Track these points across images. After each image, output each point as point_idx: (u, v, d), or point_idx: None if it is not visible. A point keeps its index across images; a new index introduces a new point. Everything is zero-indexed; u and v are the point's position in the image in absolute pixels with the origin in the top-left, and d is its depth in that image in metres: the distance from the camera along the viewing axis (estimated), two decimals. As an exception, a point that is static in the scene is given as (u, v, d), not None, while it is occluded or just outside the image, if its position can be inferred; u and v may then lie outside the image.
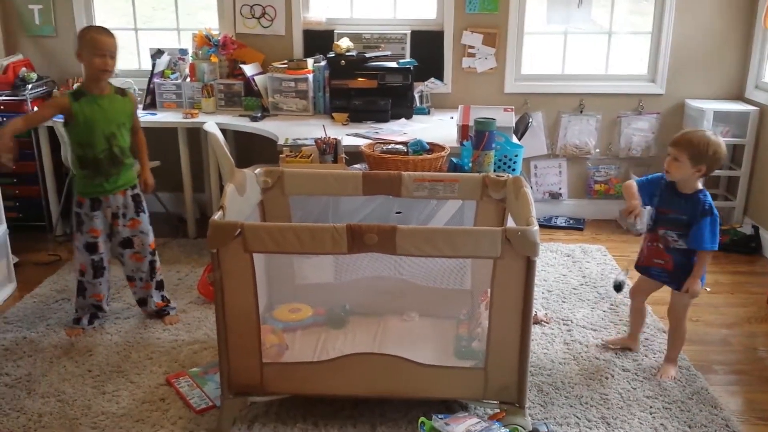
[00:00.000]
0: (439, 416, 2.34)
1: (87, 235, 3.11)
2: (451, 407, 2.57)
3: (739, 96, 4.61)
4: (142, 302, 3.33)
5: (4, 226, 3.63)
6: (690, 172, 2.65)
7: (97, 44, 2.91)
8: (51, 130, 4.18)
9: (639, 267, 2.93)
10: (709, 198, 2.68)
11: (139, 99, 4.43)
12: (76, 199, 3.11)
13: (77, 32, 3.30)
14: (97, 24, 4.60)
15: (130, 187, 3.16)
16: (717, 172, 4.56)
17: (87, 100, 2.96)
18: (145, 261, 3.26)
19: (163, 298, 3.37)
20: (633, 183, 2.82)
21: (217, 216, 2.34)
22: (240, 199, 2.63)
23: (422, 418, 2.32)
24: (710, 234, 2.64)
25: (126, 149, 3.11)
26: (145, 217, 3.22)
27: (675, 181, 2.72)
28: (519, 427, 2.41)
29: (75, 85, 3.12)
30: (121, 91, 3.13)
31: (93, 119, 2.96)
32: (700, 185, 2.71)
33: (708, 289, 3.72)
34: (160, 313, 3.34)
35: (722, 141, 2.68)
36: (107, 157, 3.03)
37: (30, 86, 4.33)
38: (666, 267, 2.79)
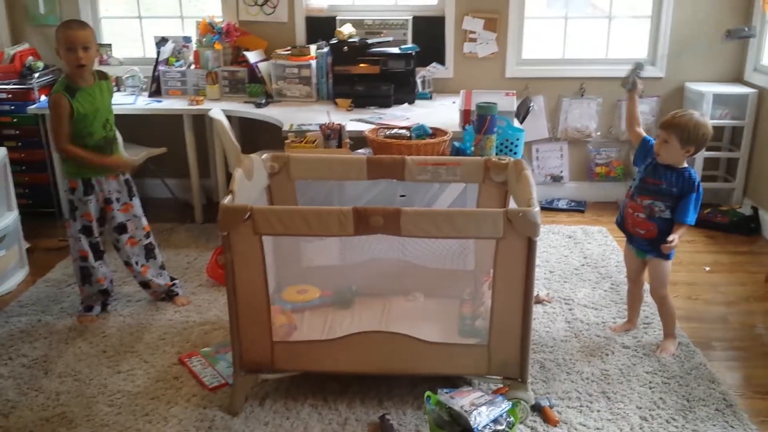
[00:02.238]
0: (445, 390, 2.42)
1: (82, 219, 3.15)
2: (455, 383, 2.64)
3: (738, 78, 4.65)
4: (145, 285, 3.38)
5: (16, 212, 3.70)
6: (680, 153, 2.75)
7: (67, 39, 2.90)
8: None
9: (624, 230, 2.99)
10: (697, 175, 2.80)
11: (144, 87, 4.51)
12: (68, 185, 3.12)
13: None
14: (98, 11, 4.68)
15: (121, 171, 3.21)
16: (717, 154, 4.66)
17: (81, 95, 2.98)
18: (140, 245, 3.30)
19: (170, 278, 3.44)
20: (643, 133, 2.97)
21: (227, 200, 2.40)
22: (248, 183, 2.69)
23: (428, 392, 2.39)
24: (694, 209, 2.76)
25: (116, 130, 3.17)
26: (137, 201, 3.27)
27: None
28: (522, 401, 2.49)
29: (59, 80, 3.07)
30: (103, 75, 3.14)
31: (90, 111, 3.00)
32: (685, 163, 2.81)
33: (707, 269, 3.79)
34: (170, 294, 3.41)
35: (709, 122, 2.79)
36: (105, 143, 3.10)
37: (37, 75, 4.39)
38: (648, 236, 2.85)
